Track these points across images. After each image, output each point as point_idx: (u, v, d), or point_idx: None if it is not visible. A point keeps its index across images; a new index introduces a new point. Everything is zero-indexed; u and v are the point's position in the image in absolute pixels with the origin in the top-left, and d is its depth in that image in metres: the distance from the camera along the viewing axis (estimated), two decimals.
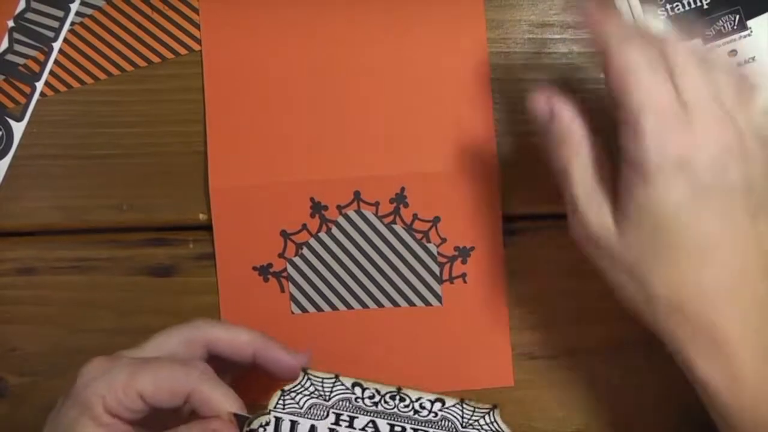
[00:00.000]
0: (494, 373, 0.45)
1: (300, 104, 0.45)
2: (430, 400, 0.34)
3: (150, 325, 0.45)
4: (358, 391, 0.34)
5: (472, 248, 0.45)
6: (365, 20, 0.45)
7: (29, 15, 0.46)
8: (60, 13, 0.46)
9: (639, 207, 0.33)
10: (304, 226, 0.45)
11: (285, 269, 0.45)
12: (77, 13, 0.46)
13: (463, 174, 0.45)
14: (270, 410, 0.34)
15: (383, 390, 0.34)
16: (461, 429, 0.34)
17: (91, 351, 0.45)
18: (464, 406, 0.34)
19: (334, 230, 0.45)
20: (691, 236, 0.33)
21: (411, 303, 0.45)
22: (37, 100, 0.46)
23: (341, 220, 0.45)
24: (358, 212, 0.45)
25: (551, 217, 0.46)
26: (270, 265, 0.45)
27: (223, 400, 0.34)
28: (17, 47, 0.46)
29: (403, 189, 0.45)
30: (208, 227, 0.45)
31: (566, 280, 0.45)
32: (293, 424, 0.34)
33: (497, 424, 0.34)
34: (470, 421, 0.34)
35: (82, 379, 0.34)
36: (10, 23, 0.46)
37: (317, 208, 0.45)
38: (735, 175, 0.32)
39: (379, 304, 0.45)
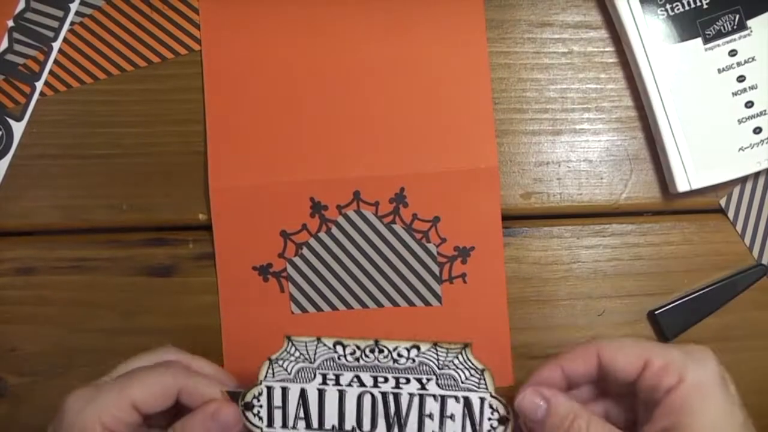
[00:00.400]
0: (494, 373, 0.45)
1: (300, 104, 0.45)
2: (406, 348, 0.35)
3: (150, 324, 0.45)
4: (339, 349, 0.36)
5: (472, 248, 0.45)
6: (365, 21, 0.45)
7: (29, 15, 0.46)
8: (60, 13, 0.46)
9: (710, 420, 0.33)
10: (304, 226, 0.45)
11: (285, 269, 0.45)
12: (77, 13, 0.46)
13: (463, 174, 0.45)
14: (261, 381, 0.36)
15: (363, 344, 0.36)
16: (438, 371, 0.35)
17: (90, 351, 0.45)
18: (438, 348, 0.35)
19: (334, 230, 0.45)
20: None
21: (411, 303, 0.45)
22: (37, 100, 0.46)
23: (341, 220, 0.45)
24: (358, 212, 0.45)
25: (551, 216, 0.46)
26: (270, 265, 0.45)
27: (214, 383, 0.35)
28: (17, 47, 0.46)
29: (402, 189, 0.45)
30: (207, 227, 0.45)
31: (565, 280, 0.45)
32: (284, 390, 0.36)
33: (470, 361, 0.35)
34: (445, 362, 0.35)
35: (70, 411, 0.34)
36: (10, 23, 0.46)
37: (317, 208, 0.45)
38: None
39: (379, 304, 0.45)
